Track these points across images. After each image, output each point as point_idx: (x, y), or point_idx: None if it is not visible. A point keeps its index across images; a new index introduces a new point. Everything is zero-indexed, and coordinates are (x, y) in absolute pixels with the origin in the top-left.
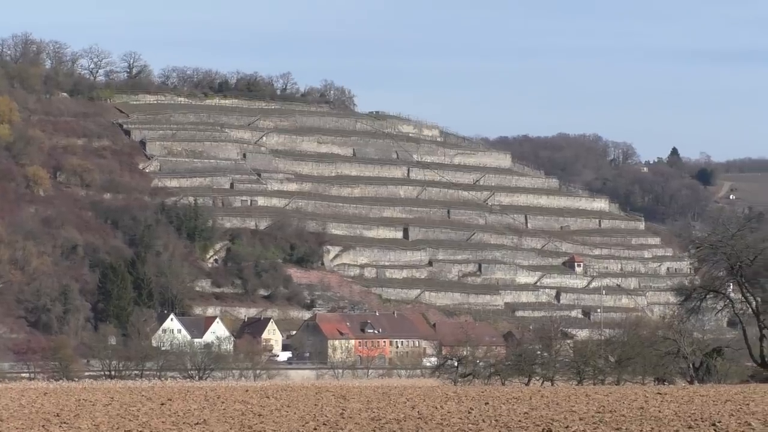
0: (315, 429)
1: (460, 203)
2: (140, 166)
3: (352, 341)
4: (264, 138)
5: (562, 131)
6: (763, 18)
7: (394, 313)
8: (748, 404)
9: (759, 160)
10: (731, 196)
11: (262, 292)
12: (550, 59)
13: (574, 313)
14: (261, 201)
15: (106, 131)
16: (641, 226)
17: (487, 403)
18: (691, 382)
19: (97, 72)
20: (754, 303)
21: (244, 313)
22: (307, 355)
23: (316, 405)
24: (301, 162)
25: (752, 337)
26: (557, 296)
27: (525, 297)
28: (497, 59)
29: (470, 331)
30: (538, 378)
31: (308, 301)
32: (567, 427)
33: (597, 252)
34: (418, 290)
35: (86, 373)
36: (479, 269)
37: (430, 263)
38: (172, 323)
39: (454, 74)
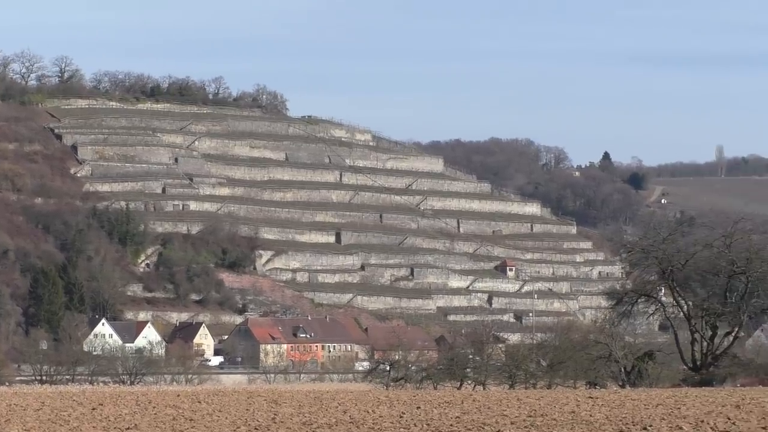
0: None
1: (393, 208)
2: (72, 171)
3: (284, 346)
4: (196, 142)
5: (494, 136)
6: (695, 21)
7: (326, 317)
8: (679, 408)
9: (690, 164)
10: (663, 201)
11: (194, 296)
12: (483, 63)
13: (506, 318)
14: (193, 206)
15: (37, 136)
16: (573, 230)
17: (418, 407)
18: (622, 386)
19: (28, 76)
20: (685, 307)
21: (176, 317)
22: (239, 359)
23: (248, 410)
24: (233, 166)
25: (684, 341)
26: (489, 300)
27: (457, 301)
28: (429, 64)
29: (402, 336)
30: (469, 382)
31: (240, 306)
32: (498, 431)
33: (529, 256)
34: (351, 294)
35: (17, 378)
36: (411, 273)
37: (362, 267)
38: (104, 328)
39: (387, 78)
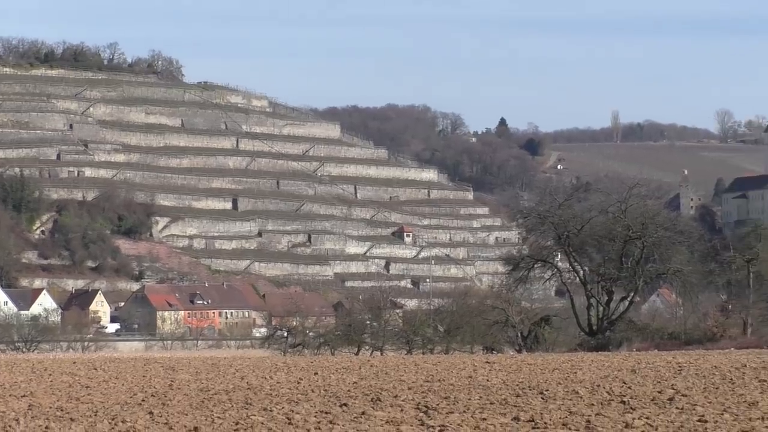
0: (143, 400)
1: (290, 174)
2: None
3: (181, 312)
4: (91, 109)
5: (391, 102)
6: None
7: (223, 284)
8: (575, 373)
9: (586, 131)
10: (559, 166)
11: (90, 263)
12: (380, 29)
13: (403, 283)
14: (88, 172)
15: None
16: (470, 196)
17: (316, 373)
18: (519, 351)
19: None
20: (581, 272)
21: (72, 284)
22: (136, 326)
23: (144, 376)
24: (128, 133)
25: (580, 306)
26: (387, 266)
27: (354, 267)
28: (326, 29)
29: (300, 302)
30: (367, 348)
31: (137, 273)
32: (396, 396)
33: (426, 222)
34: (248, 261)
35: None
36: (309, 240)
37: (259, 234)
38: None
39: (283, 44)
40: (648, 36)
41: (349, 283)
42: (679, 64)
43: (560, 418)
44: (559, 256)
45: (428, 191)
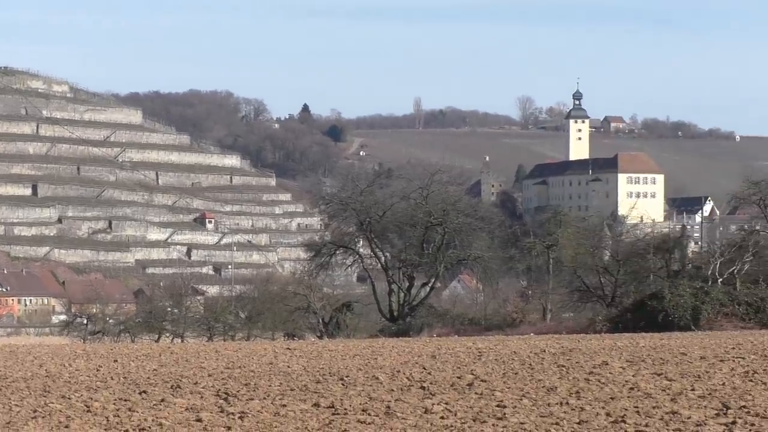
0: None
1: (91, 160)
2: None
3: None
4: None
5: (193, 88)
6: None
7: (22, 270)
8: (376, 358)
9: (388, 117)
10: (361, 153)
11: None
12: (183, 14)
13: (205, 270)
14: None
15: None
16: (272, 182)
17: (116, 361)
18: (320, 337)
19: None
20: (383, 258)
21: None
22: None
23: None
24: None
25: (381, 292)
26: (188, 253)
27: (156, 254)
28: (126, 14)
29: (100, 289)
30: (168, 335)
31: None
32: (196, 383)
33: (228, 208)
34: (48, 248)
35: None
36: (110, 226)
37: (59, 220)
38: None
39: (83, 30)
40: (449, 23)
41: (150, 270)
42: (481, 51)
43: (360, 404)
44: (361, 242)
45: (230, 177)
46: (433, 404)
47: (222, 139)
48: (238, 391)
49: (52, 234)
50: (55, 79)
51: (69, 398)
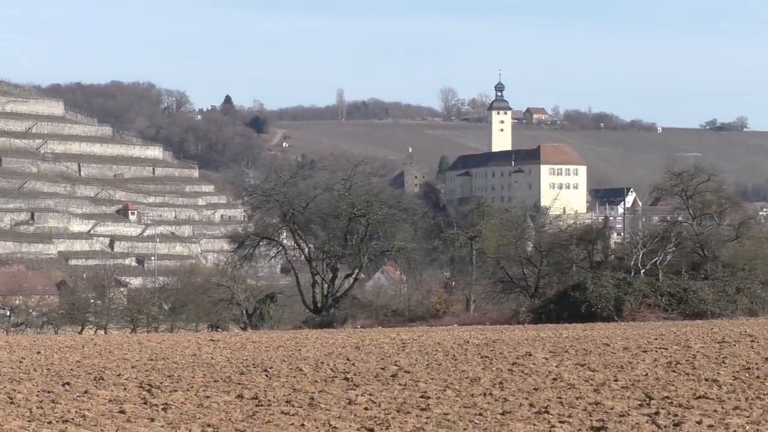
0: None
1: (12, 151)
2: None
3: None
4: None
5: (115, 79)
6: None
7: None
8: (299, 350)
9: (311, 108)
10: (284, 144)
11: None
12: (105, 4)
13: (128, 261)
14: None
15: None
16: (195, 173)
17: (39, 353)
18: (244, 329)
19: None
20: (306, 249)
21: None
22: None
23: None
24: None
25: (305, 283)
26: (111, 244)
27: (79, 245)
28: (48, 4)
29: (23, 281)
30: (91, 327)
31: None
32: (119, 375)
33: (151, 200)
34: None
35: None
36: (32, 218)
37: None
38: None
39: (4, 20)
40: (370, 14)
41: (73, 262)
42: (402, 42)
43: (284, 395)
44: (285, 233)
45: (153, 169)
46: (356, 395)
47: (144, 131)
48: (161, 383)
49: None
50: None
51: None
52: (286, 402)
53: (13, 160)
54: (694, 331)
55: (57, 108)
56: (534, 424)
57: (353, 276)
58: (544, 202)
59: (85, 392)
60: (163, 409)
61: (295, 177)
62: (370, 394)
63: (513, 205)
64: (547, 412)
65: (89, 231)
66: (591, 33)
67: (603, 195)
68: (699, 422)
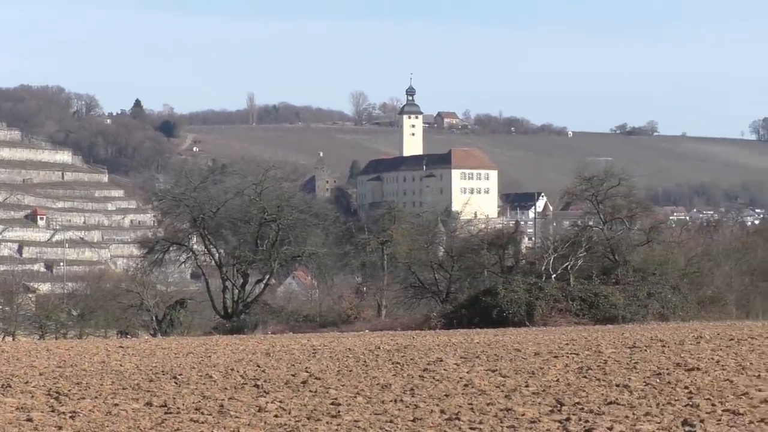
0: None
1: None
2: None
3: None
4: None
5: (24, 83)
6: None
7: None
8: (209, 356)
9: (222, 112)
10: (195, 149)
11: None
12: (13, 6)
13: (36, 267)
14: None
15: None
16: (105, 178)
17: None
18: (154, 335)
19: None
20: (217, 255)
21: None
22: None
23: None
24: None
25: (215, 289)
26: (20, 250)
27: None
28: None
29: None
30: None
31: None
32: (27, 382)
33: (60, 205)
34: None
35: None
36: None
37: None
38: None
39: None
40: (281, 18)
41: None
42: (313, 46)
43: (193, 402)
44: (195, 239)
45: (62, 173)
46: (266, 402)
47: (53, 135)
48: (69, 390)
49: None
50: None
51: None
52: (196, 409)
53: None
54: (605, 336)
55: None
56: (445, 431)
57: (264, 281)
58: (456, 206)
59: None
60: (71, 417)
61: (205, 182)
62: (280, 401)
63: (424, 209)
64: (458, 419)
65: None
66: (502, 37)
67: (514, 199)
68: (610, 428)
